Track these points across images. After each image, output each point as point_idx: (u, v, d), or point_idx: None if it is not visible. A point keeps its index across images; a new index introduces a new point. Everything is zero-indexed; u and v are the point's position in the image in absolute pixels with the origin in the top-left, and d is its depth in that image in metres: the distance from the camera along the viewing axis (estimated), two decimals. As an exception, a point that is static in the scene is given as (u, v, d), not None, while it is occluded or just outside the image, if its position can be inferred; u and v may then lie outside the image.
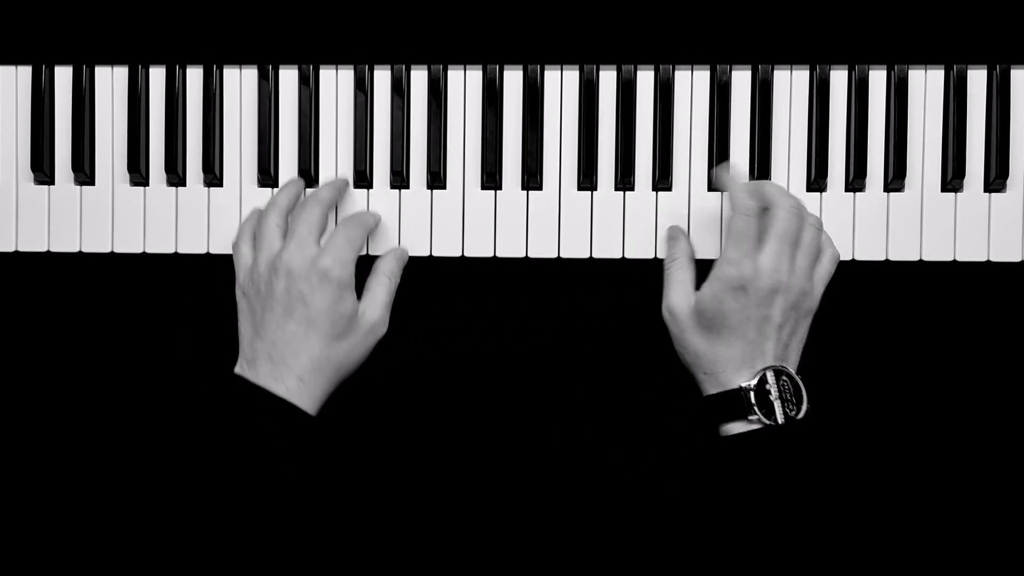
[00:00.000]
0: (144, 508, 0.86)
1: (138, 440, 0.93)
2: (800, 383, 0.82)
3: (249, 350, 0.82)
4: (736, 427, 0.82)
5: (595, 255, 0.89)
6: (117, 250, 0.90)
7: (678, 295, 0.84)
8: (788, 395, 0.81)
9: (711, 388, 0.83)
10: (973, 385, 0.92)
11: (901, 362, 0.92)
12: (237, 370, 0.83)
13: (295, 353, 0.81)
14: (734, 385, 0.82)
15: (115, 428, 0.93)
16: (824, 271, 0.84)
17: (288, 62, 0.90)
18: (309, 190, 0.89)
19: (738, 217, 0.82)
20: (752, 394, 0.81)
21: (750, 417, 0.81)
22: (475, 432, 0.94)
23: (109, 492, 0.93)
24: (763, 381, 0.81)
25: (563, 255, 0.89)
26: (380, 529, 0.98)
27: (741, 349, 0.81)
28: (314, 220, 0.84)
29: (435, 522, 0.97)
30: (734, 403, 0.82)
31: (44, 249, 0.90)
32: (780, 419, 0.81)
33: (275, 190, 0.89)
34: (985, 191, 0.87)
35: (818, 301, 0.84)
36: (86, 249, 0.90)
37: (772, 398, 0.81)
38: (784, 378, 0.81)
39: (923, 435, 0.92)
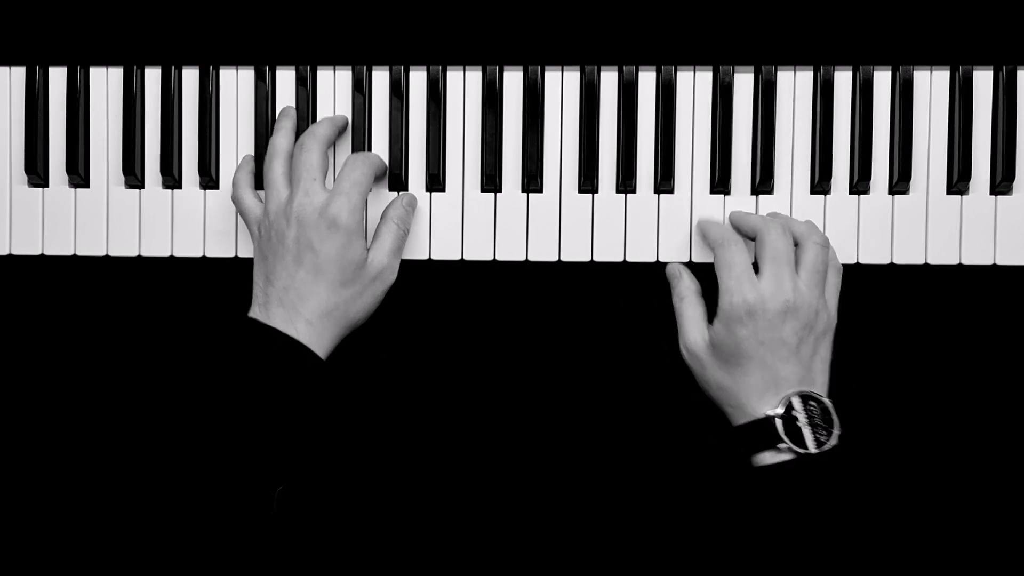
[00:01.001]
0: (153, 460, 0.86)
1: (135, 435, 0.92)
2: (829, 406, 0.80)
3: (262, 295, 0.84)
4: (767, 457, 0.80)
5: (596, 258, 0.88)
6: (112, 253, 0.89)
7: (693, 332, 0.84)
8: (817, 420, 0.80)
9: (739, 419, 0.82)
10: (981, 390, 0.91)
11: (908, 367, 0.91)
12: (251, 314, 0.84)
13: (304, 298, 0.82)
14: (760, 414, 0.80)
15: (111, 431, 0.92)
16: (832, 286, 0.83)
17: (285, 63, 0.89)
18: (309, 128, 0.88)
19: (718, 250, 0.82)
20: (780, 422, 0.79)
21: (779, 446, 0.79)
22: (475, 437, 0.94)
23: (110, 486, 0.92)
24: (789, 408, 0.80)
25: (564, 258, 0.88)
26: (381, 533, 0.97)
27: (761, 376, 0.80)
28: (316, 163, 0.84)
29: (435, 528, 0.96)
30: (763, 432, 0.80)
31: (38, 252, 0.89)
32: (811, 447, 0.79)
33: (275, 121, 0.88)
34: (991, 193, 0.86)
35: (835, 318, 0.83)
36: (81, 252, 0.89)
37: (800, 424, 0.79)
38: (812, 403, 0.80)
39: (932, 440, 0.91)
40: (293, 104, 0.89)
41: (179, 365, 0.92)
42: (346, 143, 0.89)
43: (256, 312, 0.83)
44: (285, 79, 0.89)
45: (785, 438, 0.79)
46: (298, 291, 0.82)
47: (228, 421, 0.80)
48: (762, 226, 0.82)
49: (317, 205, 0.82)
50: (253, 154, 0.89)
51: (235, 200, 0.87)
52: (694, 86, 0.88)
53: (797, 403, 0.80)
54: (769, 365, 0.80)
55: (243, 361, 0.81)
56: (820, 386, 0.82)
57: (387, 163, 0.88)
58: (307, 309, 0.82)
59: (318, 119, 0.89)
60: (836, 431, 0.80)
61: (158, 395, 0.92)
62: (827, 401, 0.80)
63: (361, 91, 0.88)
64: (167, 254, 0.89)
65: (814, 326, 0.81)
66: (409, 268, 0.89)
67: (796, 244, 0.83)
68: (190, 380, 0.91)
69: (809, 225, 0.84)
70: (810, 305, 0.81)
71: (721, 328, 0.81)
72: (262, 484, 0.80)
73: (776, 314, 0.80)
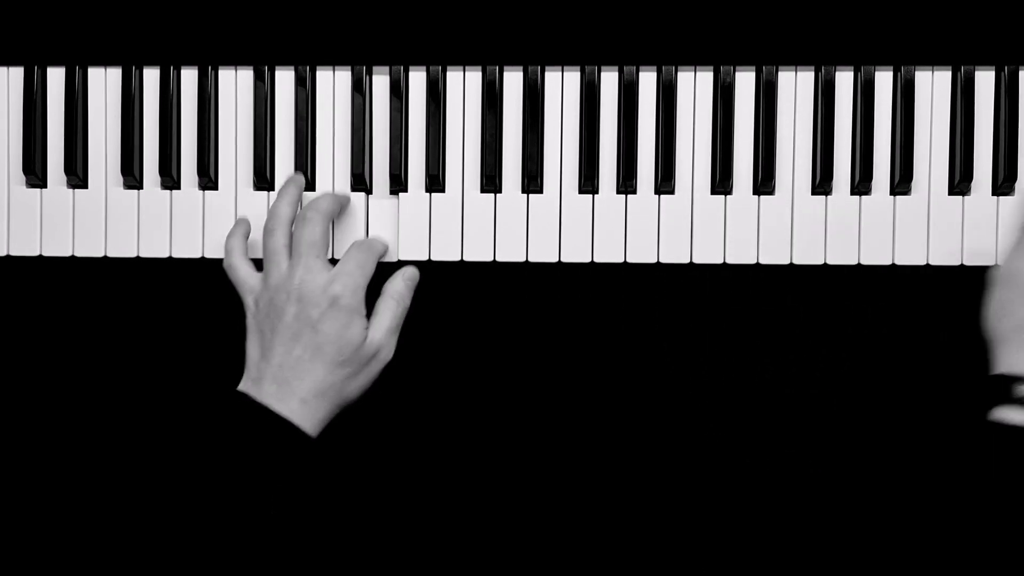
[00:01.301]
0: (141, 520, 0.85)
1: (134, 448, 0.92)
2: None
3: (255, 369, 0.82)
4: (1014, 416, 0.75)
5: (596, 259, 0.88)
6: (110, 254, 0.89)
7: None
8: None
9: (1009, 366, 0.77)
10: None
11: (909, 368, 0.90)
12: (242, 387, 0.82)
13: (300, 376, 0.81)
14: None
15: (109, 434, 0.92)
16: None
17: (284, 63, 0.88)
18: (308, 194, 0.88)
19: None
20: None
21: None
22: (476, 438, 0.94)
23: (103, 503, 0.92)
24: None
25: (564, 259, 0.88)
26: (381, 536, 0.97)
27: None
28: (318, 239, 0.83)
29: (436, 529, 0.96)
30: (1012, 389, 0.76)
31: (36, 253, 0.89)
32: None
33: (272, 194, 0.88)
34: (993, 194, 0.86)
35: None
36: (79, 253, 0.89)
37: None
38: None
39: (937, 440, 0.91)
40: (292, 107, 0.88)
41: (173, 355, 0.91)
42: (345, 144, 0.89)
43: (247, 386, 0.82)
44: (284, 79, 0.89)
45: None
46: (294, 369, 0.81)
47: (214, 498, 0.78)
48: None
49: (320, 283, 0.81)
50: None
51: (228, 268, 0.85)
52: (695, 86, 0.87)
53: None
54: None
55: (231, 437, 0.80)
56: None
57: (388, 244, 0.88)
58: (302, 387, 0.81)
59: (316, 122, 0.88)
60: None
61: (153, 387, 0.92)
62: None
63: (360, 91, 0.88)
64: (166, 255, 0.89)
65: None
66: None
67: None
68: (178, 455, 0.88)
69: None
70: None
71: None
72: (245, 562, 0.78)
73: None
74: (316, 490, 0.82)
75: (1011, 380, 0.77)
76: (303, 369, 0.81)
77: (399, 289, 0.86)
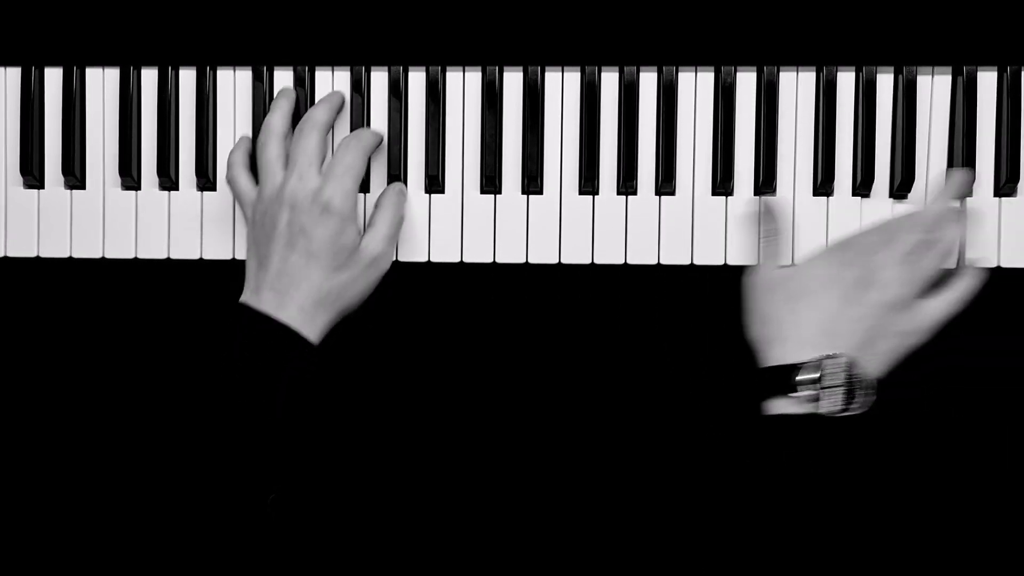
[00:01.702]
0: (145, 457, 0.86)
1: (128, 429, 0.92)
2: (869, 382, 0.79)
3: (254, 280, 0.83)
4: (783, 406, 0.79)
5: (597, 261, 0.87)
6: (108, 255, 0.88)
7: (771, 264, 0.84)
8: (856, 387, 0.78)
9: (772, 359, 0.81)
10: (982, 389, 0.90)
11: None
12: (242, 299, 0.83)
13: (296, 284, 0.82)
14: (793, 359, 0.79)
15: (108, 436, 0.92)
16: (942, 304, 0.82)
17: (283, 63, 0.88)
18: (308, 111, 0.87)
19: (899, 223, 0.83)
20: (814, 372, 0.78)
21: (800, 395, 0.78)
22: (475, 439, 0.94)
23: (105, 485, 0.92)
24: (827, 362, 0.78)
25: (564, 261, 0.87)
26: (379, 535, 0.97)
27: (819, 321, 0.80)
28: (313, 148, 0.84)
29: (434, 529, 0.96)
30: (788, 378, 0.79)
31: (34, 255, 0.88)
32: (833, 408, 0.78)
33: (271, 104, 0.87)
34: (995, 195, 0.86)
35: (923, 330, 0.82)
36: (76, 254, 0.88)
37: (830, 384, 0.78)
38: (855, 372, 0.78)
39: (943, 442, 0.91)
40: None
41: (172, 356, 0.92)
42: (345, 135, 0.88)
43: (247, 297, 0.83)
44: (283, 80, 0.88)
45: (815, 390, 0.78)
46: (290, 276, 0.82)
47: (221, 410, 0.80)
48: (913, 215, 0.83)
49: (311, 190, 0.82)
50: (250, 135, 0.88)
51: (229, 181, 0.86)
52: (695, 87, 0.87)
53: (840, 363, 0.78)
54: (836, 317, 0.80)
55: (234, 346, 0.81)
56: (872, 368, 0.80)
57: (384, 138, 0.88)
58: (299, 294, 0.82)
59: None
60: (862, 400, 0.79)
61: (151, 388, 0.92)
62: (870, 378, 0.79)
63: (360, 92, 0.88)
64: (164, 256, 0.88)
65: (897, 319, 0.80)
66: (408, 270, 0.88)
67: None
68: (183, 370, 0.91)
69: (933, 216, 0.83)
70: (901, 298, 0.80)
71: (821, 258, 0.82)
72: (257, 475, 0.79)
73: (860, 282, 0.80)
74: (319, 393, 0.83)
75: (788, 370, 0.79)
76: (299, 276, 0.82)
77: (392, 199, 0.86)
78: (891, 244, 0.81)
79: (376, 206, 0.86)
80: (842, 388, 0.78)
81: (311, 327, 0.82)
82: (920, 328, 0.82)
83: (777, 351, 0.81)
